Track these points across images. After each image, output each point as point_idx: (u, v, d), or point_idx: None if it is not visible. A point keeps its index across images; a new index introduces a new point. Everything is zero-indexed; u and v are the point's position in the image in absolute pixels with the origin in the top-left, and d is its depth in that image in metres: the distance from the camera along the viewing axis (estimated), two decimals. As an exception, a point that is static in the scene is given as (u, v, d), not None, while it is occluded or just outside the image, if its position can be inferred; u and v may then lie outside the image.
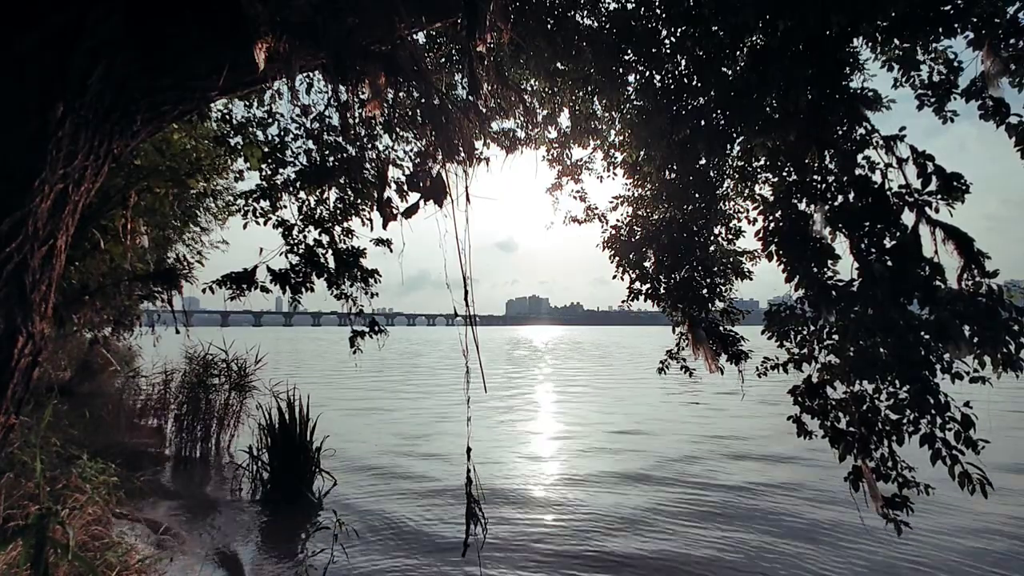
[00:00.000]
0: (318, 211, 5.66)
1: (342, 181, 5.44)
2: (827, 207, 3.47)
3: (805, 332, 3.74)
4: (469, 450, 2.98)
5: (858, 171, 3.43)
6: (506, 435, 11.97)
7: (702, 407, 15.57)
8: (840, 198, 3.45)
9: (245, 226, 5.63)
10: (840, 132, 3.50)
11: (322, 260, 5.55)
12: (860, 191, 3.34)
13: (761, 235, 3.72)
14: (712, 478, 8.44)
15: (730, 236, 5.50)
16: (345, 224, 5.72)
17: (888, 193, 3.29)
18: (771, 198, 3.84)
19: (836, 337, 3.48)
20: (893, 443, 3.32)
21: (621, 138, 5.55)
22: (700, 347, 5.09)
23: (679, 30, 4.25)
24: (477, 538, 2.94)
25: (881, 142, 3.38)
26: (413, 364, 33.26)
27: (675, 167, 4.77)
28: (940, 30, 3.46)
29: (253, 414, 9.41)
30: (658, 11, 4.29)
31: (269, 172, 5.53)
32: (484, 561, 5.27)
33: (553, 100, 5.31)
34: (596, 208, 6.28)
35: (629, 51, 4.41)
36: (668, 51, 4.40)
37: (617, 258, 5.39)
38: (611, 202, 5.86)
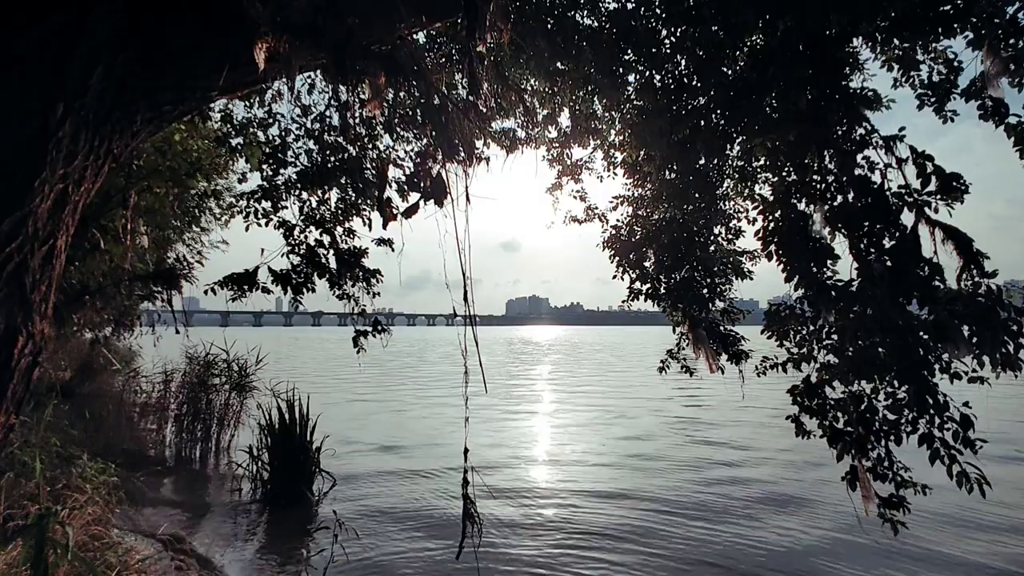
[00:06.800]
0: (319, 211, 5.65)
1: (343, 181, 5.43)
2: (827, 207, 3.47)
3: (805, 332, 3.73)
4: (466, 451, 2.98)
5: (858, 171, 3.42)
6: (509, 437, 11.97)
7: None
8: (840, 198, 3.44)
9: (247, 228, 5.63)
10: (840, 132, 3.50)
11: (323, 260, 5.54)
12: (860, 191, 3.33)
13: (761, 235, 3.72)
14: (708, 481, 8.44)
15: (730, 236, 5.48)
16: (347, 224, 5.71)
17: (888, 193, 3.29)
18: (771, 198, 3.83)
19: (835, 337, 3.48)
20: (890, 443, 3.31)
21: (621, 138, 5.54)
22: (700, 347, 5.09)
23: (679, 30, 4.24)
24: (474, 539, 2.94)
25: (881, 142, 3.38)
26: (414, 365, 33.22)
27: (675, 167, 4.77)
28: (940, 30, 3.45)
29: (253, 414, 9.41)
30: (658, 11, 4.28)
31: (270, 172, 5.52)
32: (481, 562, 5.27)
33: (553, 100, 5.30)
34: (596, 208, 6.27)
35: (629, 51, 4.40)
36: (668, 51, 4.39)
37: (617, 258, 5.39)
38: (611, 202, 5.86)
